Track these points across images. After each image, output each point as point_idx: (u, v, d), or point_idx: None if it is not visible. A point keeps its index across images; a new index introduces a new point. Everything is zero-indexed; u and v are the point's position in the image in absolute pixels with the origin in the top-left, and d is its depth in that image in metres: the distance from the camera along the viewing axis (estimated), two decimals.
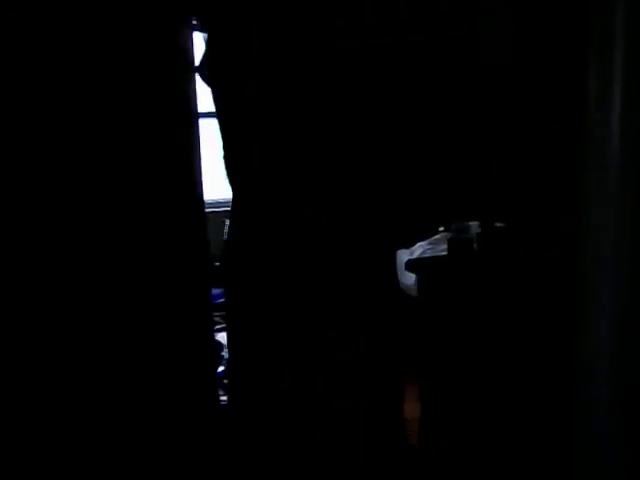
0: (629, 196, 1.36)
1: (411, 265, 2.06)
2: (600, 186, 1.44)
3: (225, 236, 2.83)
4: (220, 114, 1.52)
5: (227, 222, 2.87)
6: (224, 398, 2.35)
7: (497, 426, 1.96)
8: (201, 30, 2.84)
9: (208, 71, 1.49)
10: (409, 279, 2.16)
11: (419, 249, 2.15)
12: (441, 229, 2.21)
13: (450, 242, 2.09)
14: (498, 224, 2.12)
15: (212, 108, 1.71)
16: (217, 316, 2.75)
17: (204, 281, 1.73)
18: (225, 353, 2.67)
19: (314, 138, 1.40)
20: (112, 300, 1.55)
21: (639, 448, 1.42)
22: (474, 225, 2.15)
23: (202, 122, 3.27)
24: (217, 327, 2.73)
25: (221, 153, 1.58)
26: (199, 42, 3.12)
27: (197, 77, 1.72)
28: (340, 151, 1.44)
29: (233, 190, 1.56)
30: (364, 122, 1.46)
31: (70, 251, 1.49)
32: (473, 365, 1.98)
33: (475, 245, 2.09)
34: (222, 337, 2.68)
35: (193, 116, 1.61)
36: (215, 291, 2.87)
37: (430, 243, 2.18)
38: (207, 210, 3.18)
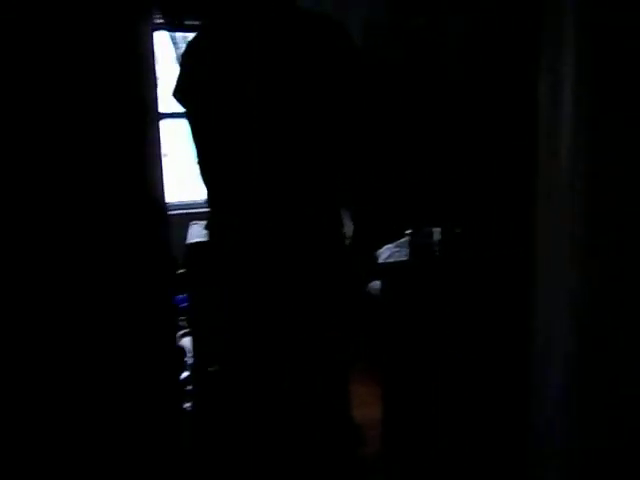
0: (580, 192, 1.39)
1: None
2: (552, 187, 1.47)
3: (188, 239, 2.78)
4: (199, 117, 1.49)
5: (192, 224, 2.84)
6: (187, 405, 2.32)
7: (453, 420, 1.98)
8: (169, 29, 2.83)
9: (196, 71, 1.47)
10: (376, 282, 2.17)
11: (386, 252, 2.16)
12: (408, 232, 2.23)
13: (412, 247, 2.12)
14: (458, 230, 2.15)
15: (176, 109, 1.68)
16: (181, 320, 2.72)
17: (164, 284, 1.70)
18: (188, 359, 2.62)
19: (312, 139, 1.42)
20: (63, 303, 1.50)
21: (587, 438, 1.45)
22: (437, 231, 2.18)
23: (168, 123, 3.27)
24: (181, 332, 2.70)
25: (195, 159, 1.54)
26: (165, 41, 3.10)
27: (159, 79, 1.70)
28: (338, 152, 1.47)
29: (212, 193, 1.53)
30: (358, 125, 1.50)
31: (20, 253, 1.44)
32: (435, 364, 2.01)
33: (437, 250, 2.11)
34: (186, 342, 2.64)
35: (150, 115, 1.58)
36: (179, 296, 2.84)
37: (397, 246, 2.20)
38: (173, 212, 3.18)
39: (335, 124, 1.42)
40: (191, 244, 2.71)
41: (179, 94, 1.50)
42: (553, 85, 1.43)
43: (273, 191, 1.42)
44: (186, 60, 1.49)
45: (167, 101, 2.93)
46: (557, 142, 1.41)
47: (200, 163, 1.54)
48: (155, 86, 1.65)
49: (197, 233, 2.77)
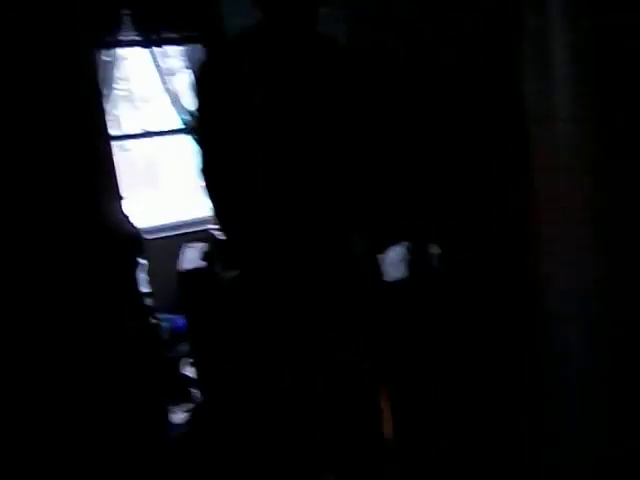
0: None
1: None
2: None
3: (183, 266, 2.68)
4: (207, 125, 1.50)
5: (185, 248, 2.74)
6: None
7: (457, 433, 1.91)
8: (146, 45, 2.76)
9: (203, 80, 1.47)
10: None
11: (392, 254, 2.12)
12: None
13: (409, 264, 2.07)
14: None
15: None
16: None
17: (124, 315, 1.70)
18: (193, 389, 2.49)
19: (317, 144, 1.45)
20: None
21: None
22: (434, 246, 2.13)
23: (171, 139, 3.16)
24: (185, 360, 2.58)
25: (200, 167, 1.53)
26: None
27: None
28: (342, 155, 1.50)
29: (218, 201, 1.55)
30: (364, 125, 1.53)
31: None
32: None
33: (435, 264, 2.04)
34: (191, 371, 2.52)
35: (98, 134, 1.56)
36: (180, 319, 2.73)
37: (402, 246, 2.15)
38: (163, 235, 3.09)
39: (342, 140, 1.47)
40: (187, 271, 2.63)
41: (206, 124, 1.49)
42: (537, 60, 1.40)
43: (290, 204, 1.45)
44: (202, 87, 1.48)
45: (148, 120, 2.87)
46: (550, 133, 1.38)
47: (210, 178, 1.52)
48: (102, 108, 1.64)
49: (191, 258, 2.68)
